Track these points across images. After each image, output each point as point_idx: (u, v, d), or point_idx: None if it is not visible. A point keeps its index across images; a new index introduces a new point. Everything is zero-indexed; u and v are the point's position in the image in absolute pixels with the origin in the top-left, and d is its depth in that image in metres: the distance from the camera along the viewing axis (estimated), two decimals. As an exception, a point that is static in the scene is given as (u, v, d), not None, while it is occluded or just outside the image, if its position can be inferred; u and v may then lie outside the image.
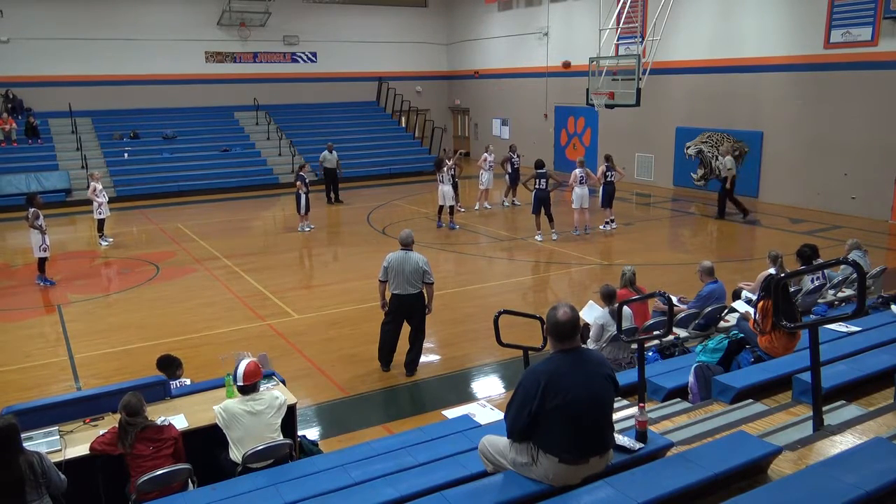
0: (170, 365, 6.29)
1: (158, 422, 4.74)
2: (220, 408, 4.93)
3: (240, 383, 4.97)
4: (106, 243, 14.68)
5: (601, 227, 15.51)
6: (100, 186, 14.79)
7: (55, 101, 22.82)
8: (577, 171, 14.81)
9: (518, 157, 18.46)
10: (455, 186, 16.03)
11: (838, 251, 10.86)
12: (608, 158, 15.63)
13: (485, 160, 17.96)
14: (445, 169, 15.48)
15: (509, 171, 18.21)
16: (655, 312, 7.97)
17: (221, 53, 25.68)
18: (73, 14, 22.98)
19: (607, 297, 7.00)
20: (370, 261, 13.00)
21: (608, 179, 15.28)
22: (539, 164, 14.72)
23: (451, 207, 15.75)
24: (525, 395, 3.47)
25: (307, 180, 15.81)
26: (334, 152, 19.52)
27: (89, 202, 19.43)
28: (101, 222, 14.81)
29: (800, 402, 4.86)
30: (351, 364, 8.29)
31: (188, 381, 6.23)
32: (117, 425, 4.66)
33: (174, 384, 5.92)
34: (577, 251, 13.68)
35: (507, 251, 14.07)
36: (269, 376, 5.87)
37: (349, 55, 27.31)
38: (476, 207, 17.85)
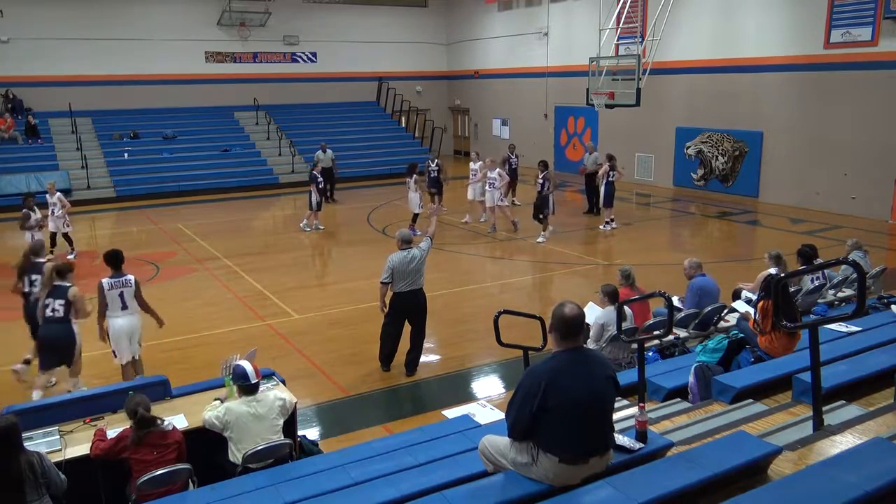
0: (119, 259, 7.03)
1: (163, 426, 4.73)
2: (222, 410, 4.88)
3: (252, 381, 4.92)
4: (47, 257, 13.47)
5: (601, 227, 15.52)
6: (52, 199, 13.29)
7: (55, 101, 22.83)
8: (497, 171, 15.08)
9: (516, 157, 18.42)
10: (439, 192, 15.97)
11: (838, 251, 10.85)
12: (611, 158, 15.65)
13: (472, 172, 16.24)
14: (415, 177, 15.15)
15: (507, 171, 18.12)
16: (658, 311, 7.96)
17: (221, 53, 25.69)
18: (72, 14, 22.99)
19: (611, 296, 7.00)
20: (370, 261, 12.99)
21: (609, 179, 15.31)
22: (546, 165, 14.75)
23: (416, 215, 15.25)
24: (526, 394, 3.47)
25: (319, 179, 15.81)
26: (329, 151, 19.53)
27: (86, 203, 19.57)
28: (52, 236, 13.45)
29: (800, 402, 4.86)
30: (351, 364, 8.29)
31: (132, 278, 7.06)
32: (127, 428, 4.63)
33: (121, 280, 6.95)
34: (577, 251, 13.69)
35: (507, 251, 14.08)
36: (268, 376, 5.87)
37: (349, 55, 27.33)
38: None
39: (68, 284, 7.03)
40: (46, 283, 7.19)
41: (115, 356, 7.15)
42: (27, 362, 7.67)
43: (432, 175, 16.36)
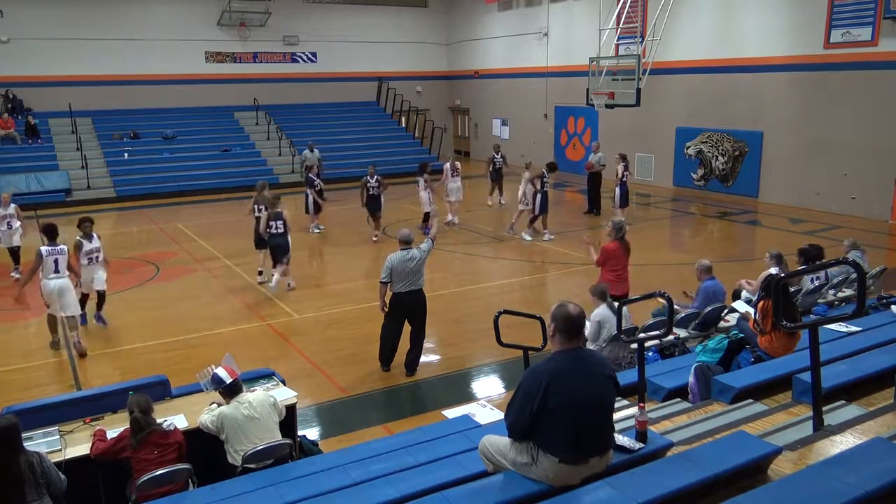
0: (55, 231, 8.58)
1: (164, 426, 4.74)
2: (216, 414, 4.88)
3: (227, 381, 4.93)
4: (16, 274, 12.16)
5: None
6: (4, 212, 12.14)
7: (55, 101, 22.84)
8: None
9: (502, 157, 18.43)
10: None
11: (838, 251, 10.84)
12: (624, 158, 15.69)
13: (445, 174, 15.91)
14: (425, 176, 15.08)
15: (491, 170, 18.18)
16: (656, 312, 7.97)
17: (221, 53, 25.69)
18: (72, 14, 22.98)
19: (600, 295, 7.02)
20: (370, 261, 13.00)
21: (623, 180, 15.36)
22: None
23: (427, 214, 15.03)
24: (526, 394, 3.47)
25: (316, 182, 15.80)
26: (316, 150, 19.51)
27: (86, 203, 19.53)
28: (11, 251, 12.28)
29: (800, 402, 4.86)
30: (351, 364, 8.29)
31: (65, 247, 8.59)
32: (127, 428, 4.64)
33: (57, 249, 8.43)
34: (578, 251, 13.66)
35: (506, 251, 14.07)
36: (268, 376, 5.87)
37: (349, 55, 27.32)
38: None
39: (280, 210, 10.89)
40: (270, 210, 10.92)
41: (48, 308, 8.67)
42: (261, 273, 11.57)
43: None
